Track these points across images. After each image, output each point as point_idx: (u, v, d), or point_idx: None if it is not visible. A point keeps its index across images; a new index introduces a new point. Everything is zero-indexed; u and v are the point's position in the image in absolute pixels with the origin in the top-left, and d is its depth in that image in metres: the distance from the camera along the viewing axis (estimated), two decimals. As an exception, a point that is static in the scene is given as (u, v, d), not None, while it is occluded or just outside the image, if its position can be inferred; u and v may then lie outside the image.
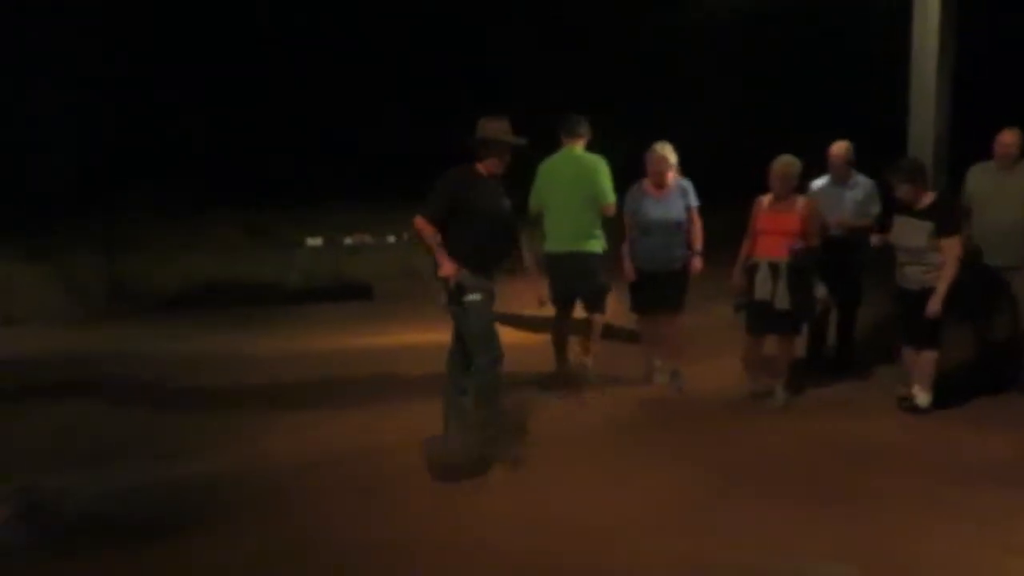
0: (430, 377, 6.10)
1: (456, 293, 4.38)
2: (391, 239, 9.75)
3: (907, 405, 5.27)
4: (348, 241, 9.59)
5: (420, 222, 4.45)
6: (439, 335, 7.78)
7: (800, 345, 6.02)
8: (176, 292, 9.52)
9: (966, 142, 5.74)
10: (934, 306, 4.98)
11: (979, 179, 5.63)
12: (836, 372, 5.97)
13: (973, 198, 5.64)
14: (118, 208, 10.43)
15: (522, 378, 5.75)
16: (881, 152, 5.54)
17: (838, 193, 5.90)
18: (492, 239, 4.53)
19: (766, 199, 5.50)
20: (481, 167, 4.58)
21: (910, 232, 5.11)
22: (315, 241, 9.42)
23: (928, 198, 5.12)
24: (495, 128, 4.55)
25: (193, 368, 6.56)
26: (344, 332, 7.98)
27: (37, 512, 3.78)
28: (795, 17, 11.94)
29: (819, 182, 6.11)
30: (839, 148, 5.99)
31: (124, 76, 11.47)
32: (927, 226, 5.02)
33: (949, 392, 5.49)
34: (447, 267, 4.38)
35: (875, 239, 5.44)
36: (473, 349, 4.44)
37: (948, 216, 5.04)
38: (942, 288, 4.96)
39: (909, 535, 3.53)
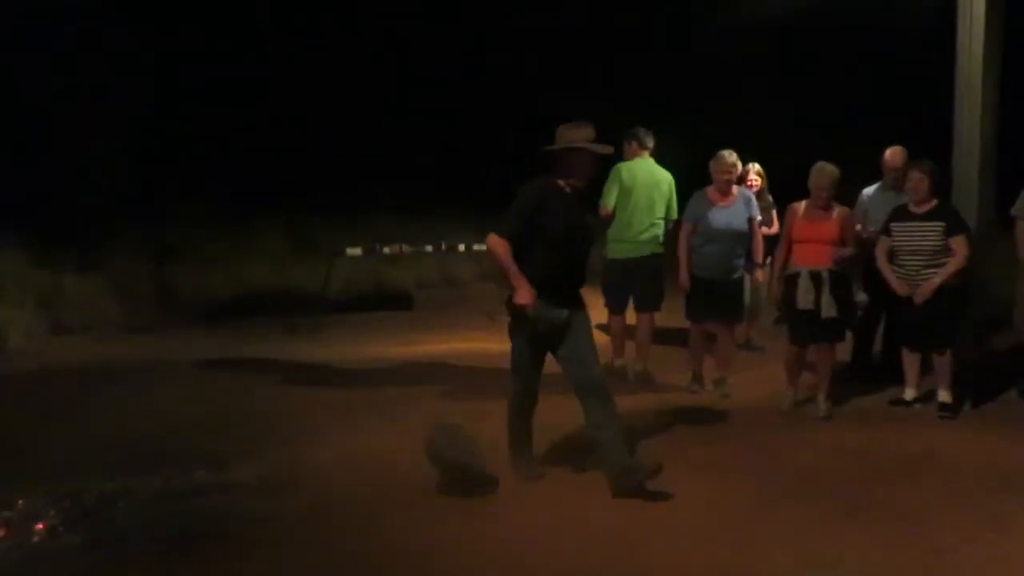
0: (469, 386, 6.15)
1: (519, 319, 4.00)
2: (428, 248, 9.82)
3: (941, 413, 5.29)
4: (386, 251, 9.67)
5: (494, 241, 3.96)
6: (478, 344, 7.87)
7: (843, 351, 5.97)
8: (223, 301, 9.66)
9: (1018, 148, 5.66)
10: (929, 288, 5.11)
11: None
12: (881, 379, 5.87)
13: None
14: (167, 218, 10.63)
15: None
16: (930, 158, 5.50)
17: (892, 199, 5.80)
18: (571, 262, 4.06)
19: (800, 207, 5.48)
20: (561, 180, 4.09)
21: (925, 235, 5.21)
22: (355, 251, 9.51)
23: (932, 203, 5.23)
24: (577, 136, 4.02)
25: (240, 376, 6.67)
26: (385, 340, 8.05)
27: (86, 518, 3.82)
28: (838, 20, 11.80)
29: (870, 189, 6.05)
30: (895, 154, 5.91)
31: (172, 86, 11.69)
32: (939, 226, 5.15)
33: (991, 401, 5.45)
34: (525, 294, 3.89)
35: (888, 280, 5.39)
36: (512, 370, 4.20)
37: (956, 216, 5.23)
38: (936, 280, 5.11)
39: (951, 548, 3.46)
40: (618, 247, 6.14)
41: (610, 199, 6.05)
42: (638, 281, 6.11)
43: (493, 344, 7.87)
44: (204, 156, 11.70)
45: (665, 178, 6.10)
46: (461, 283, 10.96)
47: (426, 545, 3.53)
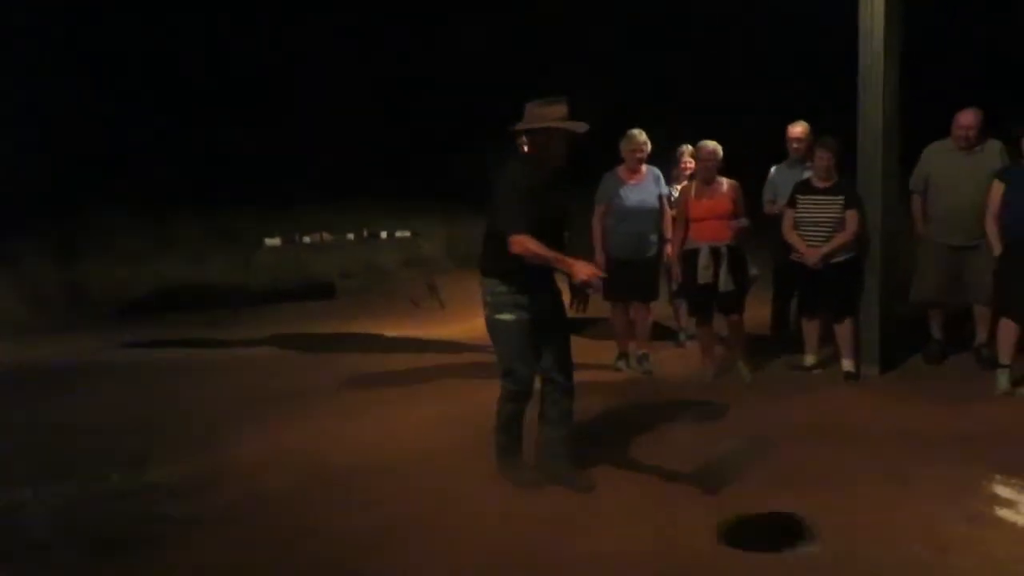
0: (395, 374, 6.12)
1: (493, 307, 3.79)
2: (350, 236, 9.71)
3: (845, 374, 5.64)
4: (307, 240, 9.51)
5: (521, 241, 3.59)
6: (404, 331, 7.83)
7: (762, 325, 6.18)
8: (138, 297, 9.35)
9: (921, 121, 5.90)
10: (817, 254, 5.45)
11: (938, 160, 5.76)
12: (798, 349, 6.07)
13: (932, 178, 5.78)
14: (75, 212, 10.20)
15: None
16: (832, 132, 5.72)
17: (798, 175, 6.00)
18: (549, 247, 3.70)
19: (692, 187, 5.69)
20: (533, 163, 3.83)
21: (826, 208, 5.52)
22: (273, 241, 9.31)
23: (834, 179, 5.54)
24: (548, 114, 3.73)
25: (159, 373, 6.47)
26: (309, 330, 7.93)
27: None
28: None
29: (775, 167, 6.22)
30: (801, 129, 6.08)
31: (81, 72, 11.16)
32: (839, 200, 5.47)
33: (898, 367, 5.77)
34: (583, 268, 3.57)
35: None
36: (503, 374, 3.91)
37: (853, 192, 5.54)
38: (828, 248, 5.45)
39: (872, 511, 3.61)
40: None
41: None
42: None
43: (419, 331, 7.86)
44: (114, 147, 11.25)
45: None
46: (384, 271, 10.88)
47: (354, 540, 3.49)
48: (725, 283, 5.45)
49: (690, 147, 6.43)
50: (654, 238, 5.96)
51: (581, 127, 3.77)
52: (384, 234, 9.70)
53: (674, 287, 6.10)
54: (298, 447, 4.58)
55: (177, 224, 11.15)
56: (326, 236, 9.53)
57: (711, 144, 5.59)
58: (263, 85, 12.77)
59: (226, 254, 10.27)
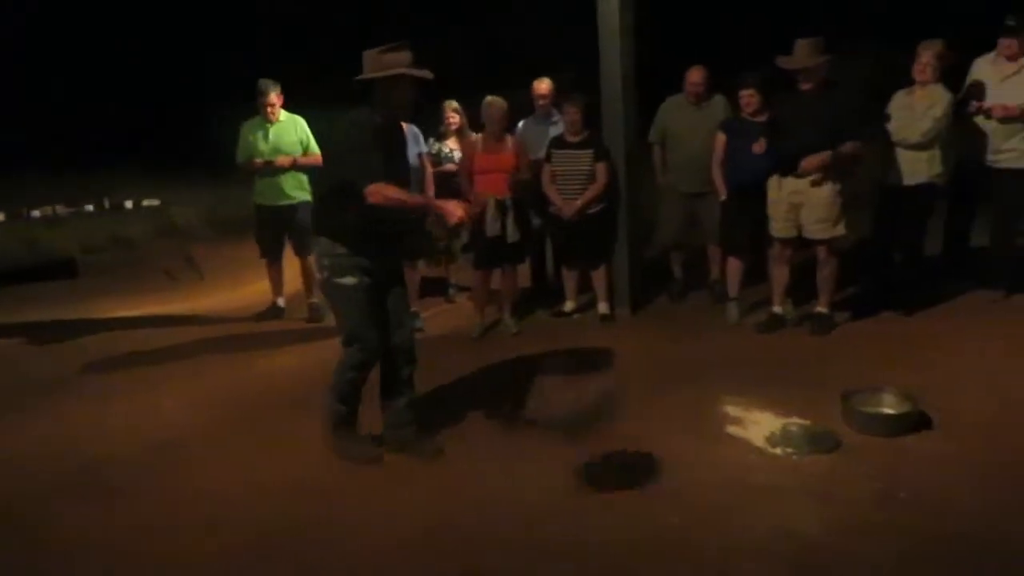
0: (150, 353, 5.74)
1: (329, 274, 3.64)
2: (89, 208, 8.84)
3: (601, 316, 6.04)
4: (36, 214, 8.53)
5: (379, 190, 3.41)
6: (157, 307, 7.33)
7: (524, 275, 6.47)
8: None
9: (661, 76, 6.36)
10: (572, 207, 5.77)
11: (672, 114, 6.26)
12: (557, 297, 6.43)
13: (668, 130, 6.27)
14: None
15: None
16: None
17: (543, 130, 6.27)
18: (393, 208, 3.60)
19: (478, 141, 5.78)
20: (379, 114, 3.63)
21: (578, 161, 5.82)
22: (-5, 217, 8.27)
23: (584, 133, 5.85)
24: (393, 61, 3.54)
25: None
26: (47, 314, 7.17)
27: None
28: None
29: (523, 122, 6.45)
30: (546, 85, 6.33)
31: None
32: (590, 153, 5.78)
33: (647, 307, 6.26)
34: (456, 208, 3.50)
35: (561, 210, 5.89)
36: (346, 340, 3.75)
37: (601, 145, 5.87)
38: (581, 201, 5.78)
39: (625, 439, 3.91)
40: (259, 195, 6.41)
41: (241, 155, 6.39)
42: (289, 228, 6.37)
43: (177, 306, 7.39)
44: None
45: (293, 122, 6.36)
46: (134, 243, 10.06)
47: (116, 544, 3.27)
48: (512, 234, 5.61)
49: (454, 102, 6.48)
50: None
51: (427, 74, 3.63)
52: (130, 203, 8.95)
53: (465, 239, 6.05)
54: (46, 444, 4.20)
55: None
56: (60, 209, 8.62)
57: (501, 100, 5.69)
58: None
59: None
